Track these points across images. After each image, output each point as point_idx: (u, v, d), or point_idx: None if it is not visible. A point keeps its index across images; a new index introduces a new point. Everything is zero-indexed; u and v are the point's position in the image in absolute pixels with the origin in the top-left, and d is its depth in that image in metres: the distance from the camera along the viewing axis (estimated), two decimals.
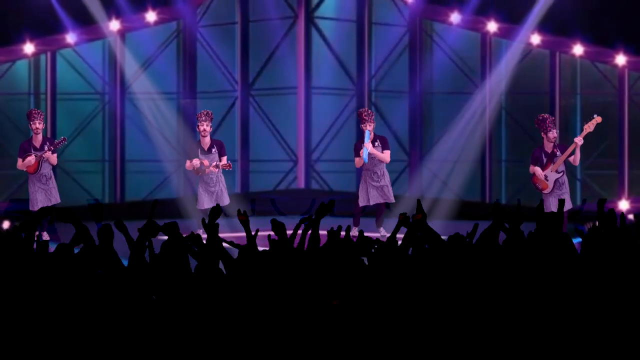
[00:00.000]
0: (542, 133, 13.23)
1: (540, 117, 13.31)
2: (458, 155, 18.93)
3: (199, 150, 14.00)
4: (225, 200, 14.01)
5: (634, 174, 18.23)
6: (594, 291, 5.65)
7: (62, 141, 14.02)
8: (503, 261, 5.91)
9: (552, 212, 12.94)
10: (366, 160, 13.95)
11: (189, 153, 14.29)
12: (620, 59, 17.91)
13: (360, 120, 14.17)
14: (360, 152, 13.99)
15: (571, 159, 13.28)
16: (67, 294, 5.61)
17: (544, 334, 5.45)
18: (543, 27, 18.11)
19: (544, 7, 17.89)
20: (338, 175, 18.76)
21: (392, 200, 14.17)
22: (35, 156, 13.80)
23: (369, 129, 13.96)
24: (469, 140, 18.83)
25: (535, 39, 18.21)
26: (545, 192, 13.30)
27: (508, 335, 5.42)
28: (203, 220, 6.70)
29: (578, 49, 18.06)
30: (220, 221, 6.19)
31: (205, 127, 13.94)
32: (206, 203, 13.90)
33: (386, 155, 14.05)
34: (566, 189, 13.32)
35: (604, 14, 17.76)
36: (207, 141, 13.99)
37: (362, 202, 14.19)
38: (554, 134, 13.14)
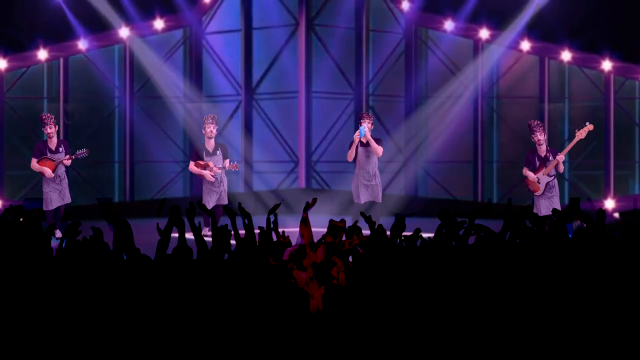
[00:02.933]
0: (531, 137, 13.42)
1: (528, 123, 13.55)
2: (452, 156, 18.96)
3: (204, 152, 14.02)
4: (223, 201, 14.07)
5: (619, 174, 18.24)
6: (584, 285, 5.64)
7: (84, 153, 13.97)
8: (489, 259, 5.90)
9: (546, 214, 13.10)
10: (362, 135, 13.80)
11: (192, 155, 14.30)
12: (607, 65, 17.91)
13: (360, 120, 14.16)
14: (357, 133, 13.89)
15: (556, 166, 13.40)
16: (81, 289, 5.60)
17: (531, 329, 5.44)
18: (533, 34, 18.12)
19: (532, 14, 17.92)
20: (337, 175, 18.75)
21: (380, 200, 14.13)
22: (53, 161, 13.79)
23: (367, 125, 13.96)
24: (462, 142, 18.85)
25: (525, 45, 18.22)
26: (536, 194, 13.38)
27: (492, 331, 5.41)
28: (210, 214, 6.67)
29: (566, 55, 18.06)
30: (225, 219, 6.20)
31: (212, 129, 14.03)
32: (211, 202, 13.98)
33: (379, 148, 13.99)
34: (556, 192, 13.45)
35: (590, 21, 17.77)
36: (212, 143, 14.04)
37: (355, 199, 14.21)
38: (537, 136, 13.31)
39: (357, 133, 13.84)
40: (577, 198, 6.55)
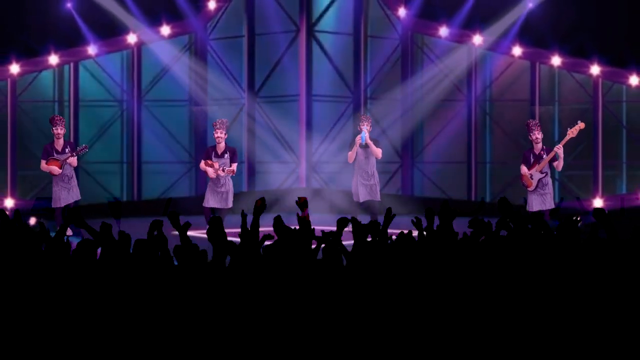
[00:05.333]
0: (528, 135, 13.56)
1: (527, 122, 13.73)
2: (446, 157, 18.99)
3: (213, 153, 14.11)
4: (230, 203, 14.06)
5: (607, 175, 18.24)
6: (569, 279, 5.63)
7: (83, 149, 14.10)
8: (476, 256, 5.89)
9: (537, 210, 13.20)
10: (363, 141, 13.92)
11: (203, 154, 14.42)
12: (595, 69, 17.91)
13: (359, 121, 14.25)
14: (358, 137, 13.99)
15: (555, 164, 13.47)
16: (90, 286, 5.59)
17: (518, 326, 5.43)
18: (524, 40, 18.13)
19: (523, 21, 17.97)
20: (336, 175, 18.76)
21: (379, 199, 14.21)
22: (59, 160, 13.84)
23: (366, 128, 14.03)
24: (456, 143, 18.87)
25: (517, 50, 18.22)
26: (529, 189, 13.48)
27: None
28: (212, 218, 6.70)
29: (556, 60, 18.06)
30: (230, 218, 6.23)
31: (220, 134, 14.07)
32: (212, 202, 13.99)
33: (379, 151, 14.12)
34: (549, 189, 13.52)
35: (579, 28, 17.79)
36: (222, 146, 14.13)
37: (354, 198, 14.29)
38: (534, 135, 13.44)
39: (358, 137, 13.94)
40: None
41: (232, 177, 14.19)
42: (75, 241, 6.28)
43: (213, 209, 14.04)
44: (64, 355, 5.24)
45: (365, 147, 14.08)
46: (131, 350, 5.26)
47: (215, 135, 14.09)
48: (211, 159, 14.08)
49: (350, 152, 14.16)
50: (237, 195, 14.57)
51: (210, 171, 14.01)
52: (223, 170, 13.99)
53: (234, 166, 14.06)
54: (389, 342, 5.30)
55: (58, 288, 5.55)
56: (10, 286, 5.58)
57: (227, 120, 14.50)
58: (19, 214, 6.37)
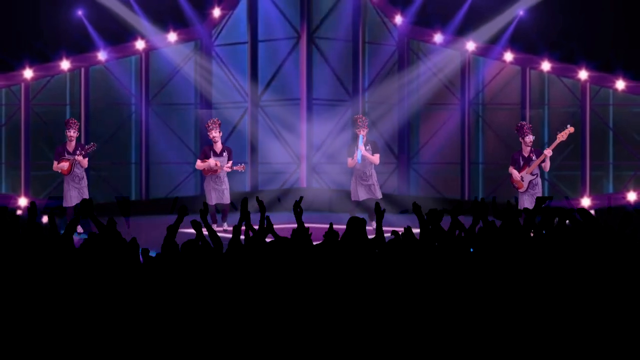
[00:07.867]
0: (520, 138, 13.48)
1: (519, 124, 13.64)
2: (441, 158, 18.98)
3: (212, 152, 14.16)
4: (226, 200, 14.19)
5: (594, 175, 18.24)
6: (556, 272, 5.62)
7: (92, 147, 14.15)
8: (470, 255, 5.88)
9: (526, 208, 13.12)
10: (359, 161, 14.00)
11: (200, 154, 14.50)
12: (583, 74, 17.92)
13: (355, 125, 14.25)
14: (355, 154, 14.04)
15: (542, 165, 13.44)
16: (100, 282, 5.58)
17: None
18: (515, 46, 18.14)
19: (514, 28, 17.98)
20: (336, 175, 18.76)
21: (379, 196, 14.26)
22: (69, 160, 13.88)
23: (362, 134, 14.05)
24: (450, 145, 18.87)
25: (509, 56, 18.23)
26: (520, 191, 13.45)
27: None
28: (201, 211, 6.77)
29: (546, 65, 18.07)
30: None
31: (215, 133, 14.17)
32: (214, 199, 14.10)
33: (376, 158, 14.14)
34: (539, 189, 13.53)
35: (568, 35, 17.80)
36: (219, 146, 14.19)
37: (353, 198, 14.31)
38: (530, 138, 13.39)
39: (355, 155, 13.95)
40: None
41: (228, 174, 14.29)
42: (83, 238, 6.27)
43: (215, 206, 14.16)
44: (64, 353, 5.23)
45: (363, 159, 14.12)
46: (140, 344, 5.25)
47: (212, 135, 14.19)
48: (209, 159, 14.14)
49: (350, 160, 14.18)
50: (238, 194, 14.62)
51: (212, 162, 14.02)
52: (230, 167, 14.08)
53: (230, 163, 14.20)
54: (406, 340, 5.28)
55: (64, 283, 5.54)
56: (15, 281, 5.57)
57: (218, 119, 14.62)
58: (35, 207, 6.36)
